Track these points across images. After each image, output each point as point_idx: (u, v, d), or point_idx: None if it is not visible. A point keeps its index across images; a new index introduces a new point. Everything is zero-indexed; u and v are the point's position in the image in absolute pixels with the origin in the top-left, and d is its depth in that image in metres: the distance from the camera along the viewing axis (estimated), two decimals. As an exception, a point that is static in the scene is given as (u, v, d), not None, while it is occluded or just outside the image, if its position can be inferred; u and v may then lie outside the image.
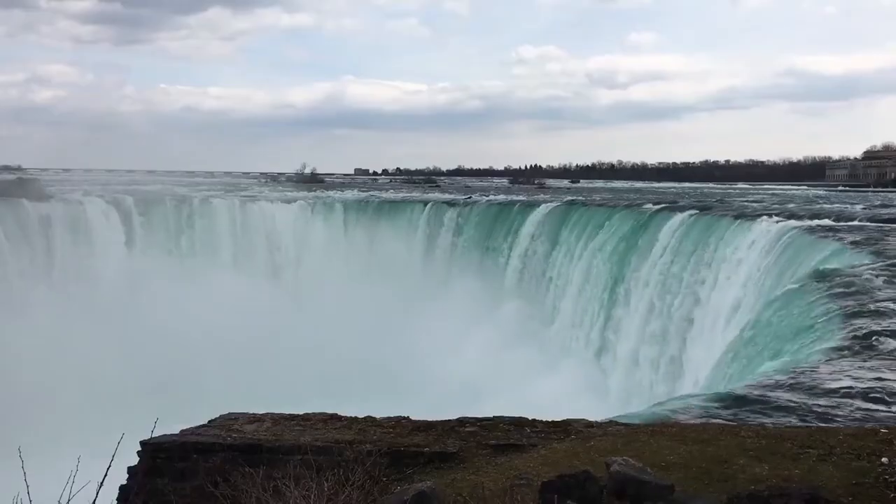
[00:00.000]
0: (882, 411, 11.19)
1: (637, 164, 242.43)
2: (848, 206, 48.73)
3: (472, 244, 55.70)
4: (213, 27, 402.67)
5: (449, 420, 10.28)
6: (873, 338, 15.07)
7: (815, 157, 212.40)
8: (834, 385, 12.38)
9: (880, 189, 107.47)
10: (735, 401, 12.01)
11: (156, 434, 8.99)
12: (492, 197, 66.57)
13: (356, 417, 10.53)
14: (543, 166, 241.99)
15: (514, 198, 65.30)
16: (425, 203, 61.77)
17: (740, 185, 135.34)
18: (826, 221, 34.55)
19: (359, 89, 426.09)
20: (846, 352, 14.40)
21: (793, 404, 11.56)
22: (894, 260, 23.41)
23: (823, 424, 10.21)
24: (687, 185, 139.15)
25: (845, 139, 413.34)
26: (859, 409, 11.32)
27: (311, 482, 6.94)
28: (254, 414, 10.88)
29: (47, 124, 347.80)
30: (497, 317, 46.36)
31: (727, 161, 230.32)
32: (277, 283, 52.92)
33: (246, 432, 10.15)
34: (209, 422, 10.76)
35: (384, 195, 71.53)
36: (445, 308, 46.62)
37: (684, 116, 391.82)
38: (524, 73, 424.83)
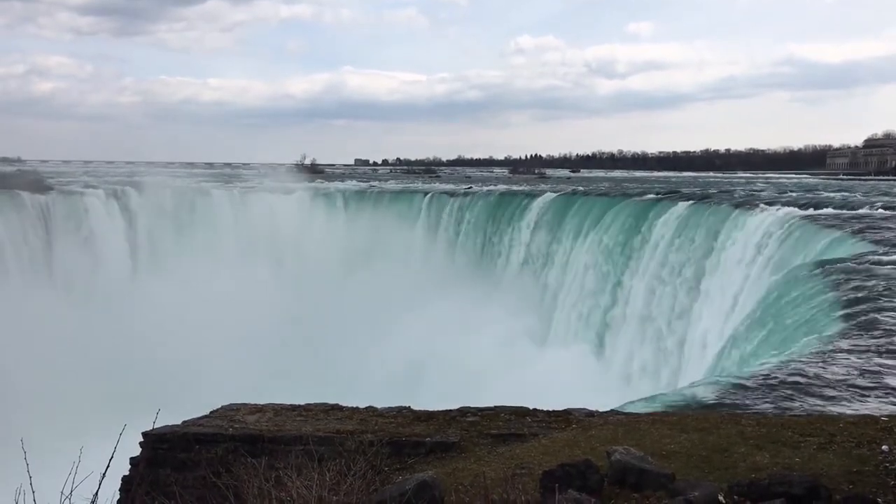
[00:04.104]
0: (882, 399, 11.20)
1: (637, 154, 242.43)
2: (849, 194, 48.68)
3: (473, 234, 55.66)
4: (211, 18, 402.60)
5: (450, 410, 10.31)
6: (875, 327, 15.08)
7: (815, 146, 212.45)
8: (835, 374, 12.40)
9: (881, 177, 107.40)
10: (736, 389, 12.03)
11: (158, 425, 9.00)
12: (492, 187, 66.49)
13: (357, 408, 10.55)
14: (543, 156, 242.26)
15: (515, 188, 65.22)
16: (425, 193, 61.72)
17: (740, 173, 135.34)
18: (828, 210, 34.54)
19: (358, 80, 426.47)
20: (848, 340, 14.40)
21: (793, 393, 11.57)
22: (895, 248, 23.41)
23: (824, 412, 10.22)
24: (687, 174, 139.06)
25: (845, 127, 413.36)
26: (860, 397, 11.34)
27: (313, 472, 6.95)
28: (255, 404, 10.90)
29: (47, 116, 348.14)
30: (498, 305, 46.35)
31: (727, 150, 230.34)
32: (278, 274, 52.91)
33: (247, 423, 10.17)
34: (211, 412, 10.78)
35: (385, 186, 71.51)
36: (446, 298, 46.63)
37: (684, 105, 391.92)
38: (523, 63, 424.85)
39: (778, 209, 34.11)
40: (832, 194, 47.85)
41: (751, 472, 6.95)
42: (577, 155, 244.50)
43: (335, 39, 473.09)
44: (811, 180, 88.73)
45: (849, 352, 13.61)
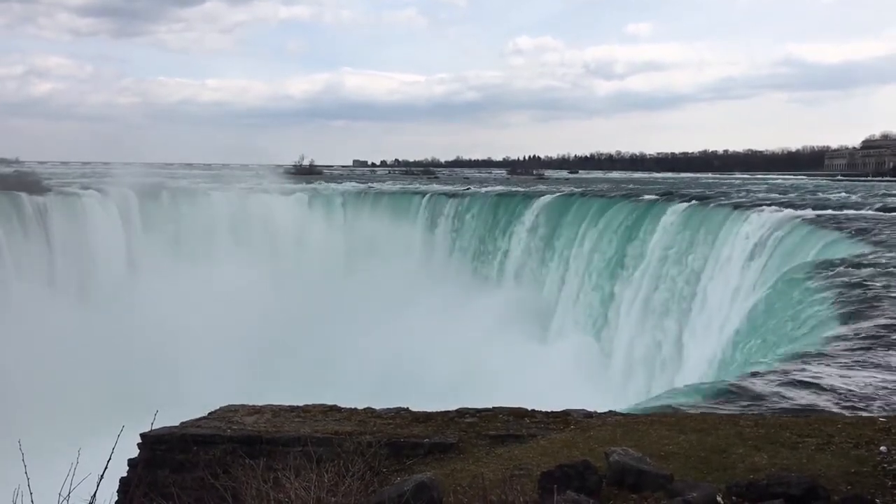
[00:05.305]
0: (880, 400, 11.20)
1: (635, 155, 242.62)
2: (846, 195, 48.77)
3: (471, 234, 55.65)
4: (210, 19, 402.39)
5: (448, 411, 10.30)
6: (873, 327, 15.09)
7: (813, 147, 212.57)
8: (832, 374, 12.40)
9: (879, 178, 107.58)
10: (733, 390, 12.02)
11: (156, 426, 8.98)
12: (490, 188, 66.43)
13: (356, 409, 10.55)
14: (542, 157, 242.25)
15: (514, 188, 65.16)
16: (424, 194, 61.69)
17: (738, 174, 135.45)
18: (825, 211, 34.60)
19: (357, 80, 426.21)
20: (845, 340, 14.42)
21: (791, 393, 11.57)
22: (893, 250, 23.43)
23: (822, 413, 10.23)
24: (685, 175, 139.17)
25: (844, 128, 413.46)
26: (857, 397, 11.34)
27: (312, 473, 6.95)
28: (253, 406, 10.90)
29: (45, 117, 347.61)
30: (497, 304, 46.35)
31: (725, 151, 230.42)
32: (276, 275, 52.81)
33: (246, 424, 10.16)
34: (209, 414, 10.77)
35: (383, 187, 71.43)
36: (445, 298, 46.65)
37: (682, 106, 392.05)
38: (522, 64, 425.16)
39: (776, 210, 34.18)
40: (831, 196, 47.95)
41: (749, 473, 6.96)
42: (575, 156, 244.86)
43: (335, 40, 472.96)
44: (809, 181, 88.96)
45: (847, 352, 13.62)
